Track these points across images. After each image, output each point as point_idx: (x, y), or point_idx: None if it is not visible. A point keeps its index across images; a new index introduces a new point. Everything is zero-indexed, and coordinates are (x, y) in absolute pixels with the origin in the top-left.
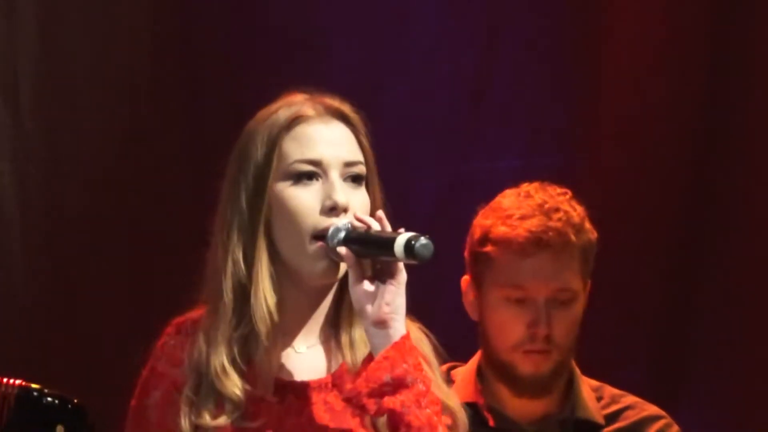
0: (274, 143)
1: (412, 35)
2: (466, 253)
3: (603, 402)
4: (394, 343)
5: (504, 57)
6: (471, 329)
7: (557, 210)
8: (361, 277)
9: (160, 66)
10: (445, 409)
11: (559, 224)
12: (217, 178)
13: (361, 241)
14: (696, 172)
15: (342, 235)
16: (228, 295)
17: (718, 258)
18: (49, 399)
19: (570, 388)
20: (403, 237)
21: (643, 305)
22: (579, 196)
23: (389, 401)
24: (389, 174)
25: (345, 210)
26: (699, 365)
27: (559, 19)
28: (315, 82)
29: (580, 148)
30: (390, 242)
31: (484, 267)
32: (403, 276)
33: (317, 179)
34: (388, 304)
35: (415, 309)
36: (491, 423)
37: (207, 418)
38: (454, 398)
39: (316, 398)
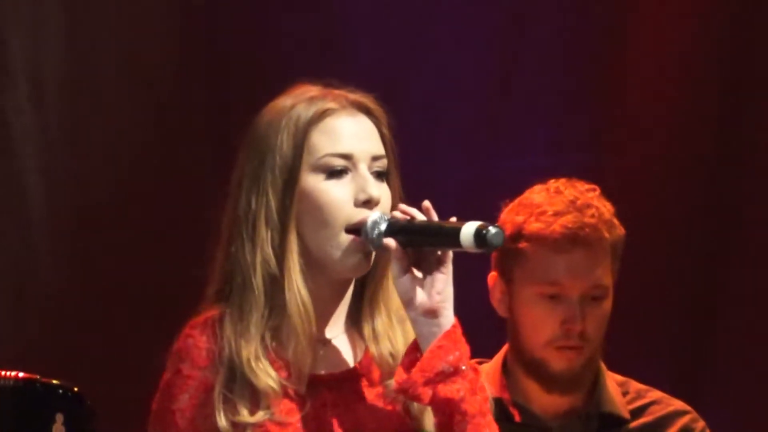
0: (302, 136)
1: (438, 31)
2: None
3: (628, 397)
4: (445, 332)
5: (530, 53)
6: (494, 325)
7: (589, 206)
8: (407, 268)
9: (185, 62)
10: None
11: (592, 220)
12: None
13: (411, 232)
14: (721, 170)
15: (383, 226)
16: (258, 288)
17: (742, 254)
18: (48, 387)
19: (596, 383)
20: (470, 226)
21: (667, 301)
22: (603, 192)
23: (444, 390)
24: (414, 170)
25: (377, 203)
26: (722, 360)
27: (584, 15)
28: (340, 78)
29: (606, 145)
30: (454, 232)
31: (516, 263)
32: (451, 264)
33: (347, 173)
34: (439, 293)
35: None
36: (517, 418)
37: (245, 415)
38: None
39: (349, 389)
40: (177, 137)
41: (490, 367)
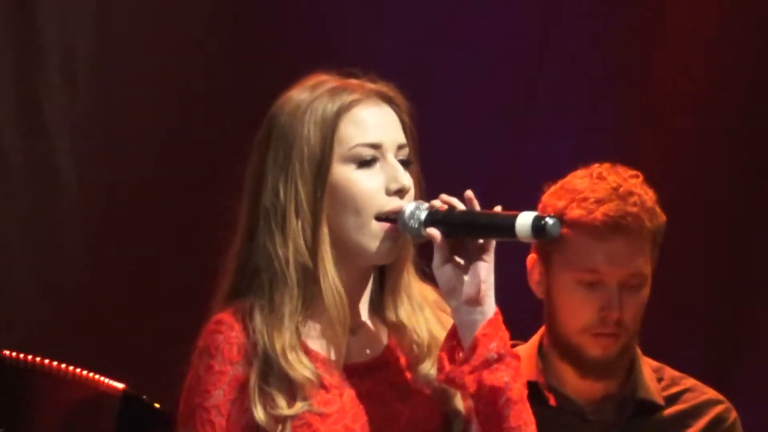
0: (331, 127)
1: (467, 16)
2: None
3: (663, 383)
4: (489, 320)
5: (559, 36)
6: (529, 308)
7: (632, 194)
8: (449, 257)
9: (214, 44)
10: None
11: (635, 209)
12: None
13: (456, 223)
14: (751, 156)
15: (423, 216)
16: (292, 280)
17: None
18: (146, 405)
19: (632, 369)
20: (527, 216)
21: (698, 287)
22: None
23: (489, 377)
24: (443, 154)
25: (408, 192)
26: (752, 348)
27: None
28: (369, 61)
29: (635, 129)
30: (509, 223)
31: (556, 248)
32: (493, 252)
33: (377, 162)
34: (483, 281)
35: None
36: (552, 402)
37: (284, 407)
38: None
39: (380, 377)
40: (207, 119)
41: (526, 350)
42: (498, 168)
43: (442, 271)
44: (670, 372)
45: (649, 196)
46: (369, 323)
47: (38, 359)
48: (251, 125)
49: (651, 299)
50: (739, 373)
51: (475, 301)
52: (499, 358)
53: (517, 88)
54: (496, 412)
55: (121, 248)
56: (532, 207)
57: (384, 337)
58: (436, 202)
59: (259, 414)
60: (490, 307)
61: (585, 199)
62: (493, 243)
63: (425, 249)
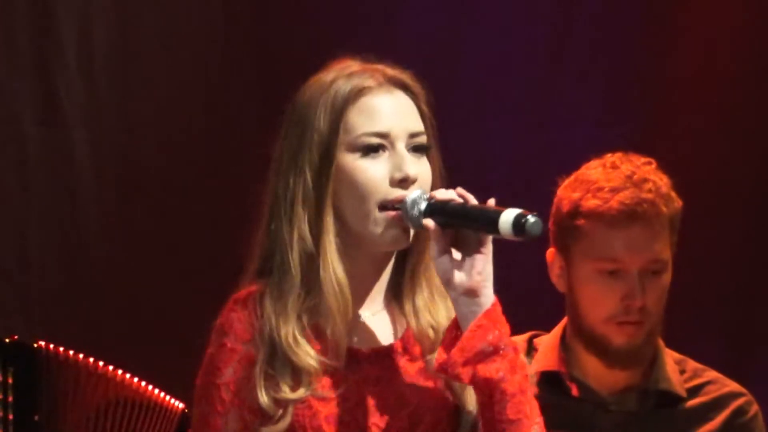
0: (339, 115)
1: (490, 7)
2: (551, 226)
3: (685, 375)
4: (485, 311)
5: (580, 25)
6: (548, 299)
7: (646, 181)
8: (446, 248)
9: (232, 34)
10: None
11: (650, 195)
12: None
13: (449, 214)
14: None
15: (423, 206)
16: (295, 267)
17: None
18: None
19: (654, 360)
20: (510, 213)
21: (716, 286)
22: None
23: (483, 369)
24: (465, 142)
25: (413, 181)
26: None
27: None
28: (391, 49)
29: (655, 118)
30: (493, 217)
31: (574, 240)
32: (491, 244)
33: (384, 150)
34: (479, 273)
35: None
36: (574, 392)
37: (287, 391)
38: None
39: (390, 364)
40: (223, 107)
41: (548, 341)
42: (519, 156)
43: (439, 261)
44: (692, 364)
45: (663, 181)
46: (386, 311)
47: (91, 360)
48: (270, 116)
49: (669, 298)
50: (756, 371)
51: (471, 292)
52: (495, 350)
53: (538, 75)
54: (493, 404)
55: (137, 239)
56: (549, 199)
57: (401, 324)
58: (437, 193)
59: (263, 397)
60: (487, 298)
61: (600, 189)
62: (489, 236)
63: None
